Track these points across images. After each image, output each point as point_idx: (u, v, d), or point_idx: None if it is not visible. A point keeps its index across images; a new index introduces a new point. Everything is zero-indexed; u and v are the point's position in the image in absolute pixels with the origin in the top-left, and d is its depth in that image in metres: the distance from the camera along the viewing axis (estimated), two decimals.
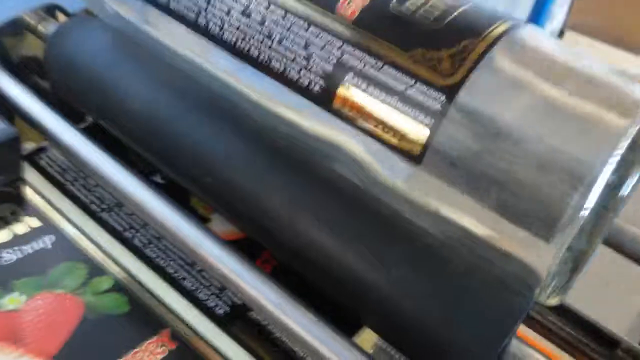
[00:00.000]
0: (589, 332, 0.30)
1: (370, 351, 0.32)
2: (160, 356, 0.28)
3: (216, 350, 0.30)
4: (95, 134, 0.35)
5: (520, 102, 0.25)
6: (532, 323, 0.29)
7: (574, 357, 0.29)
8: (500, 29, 0.26)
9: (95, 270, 0.32)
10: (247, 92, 0.32)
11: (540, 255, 0.27)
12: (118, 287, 0.31)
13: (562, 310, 0.29)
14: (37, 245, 0.32)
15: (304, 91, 0.28)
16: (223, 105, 0.33)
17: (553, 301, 0.28)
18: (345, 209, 0.29)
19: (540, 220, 0.26)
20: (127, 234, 0.34)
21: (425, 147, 0.25)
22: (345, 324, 0.29)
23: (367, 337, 0.33)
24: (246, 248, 0.32)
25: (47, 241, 0.32)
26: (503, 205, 0.26)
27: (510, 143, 0.25)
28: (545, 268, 0.27)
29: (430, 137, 0.25)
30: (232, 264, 0.30)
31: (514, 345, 0.28)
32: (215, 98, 0.33)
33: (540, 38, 0.27)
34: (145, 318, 0.30)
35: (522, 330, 0.28)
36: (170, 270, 0.32)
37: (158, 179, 0.37)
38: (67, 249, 0.32)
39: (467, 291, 0.28)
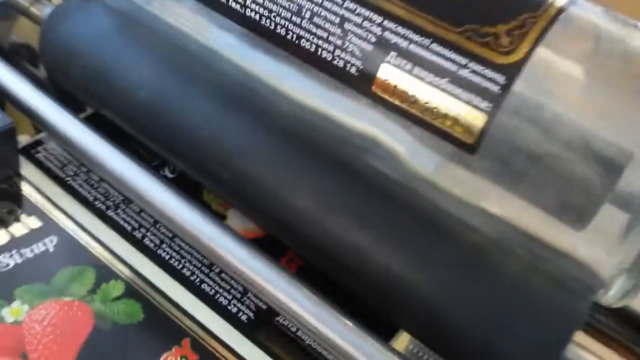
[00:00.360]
0: None
1: None
2: None
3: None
4: (97, 124, 0.32)
5: (587, 87, 0.23)
6: (590, 327, 0.27)
7: None
8: (559, 1, 0.23)
9: (104, 274, 0.29)
10: (268, 77, 0.29)
11: (604, 255, 0.24)
12: (130, 293, 0.28)
13: (625, 314, 0.27)
14: (38, 248, 0.29)
15: (339, 74, 0.25)
16: (241, 91, 0.30)
17: (617, 304, 0.25)
18: (382, 206, 0.27)
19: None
20: (137, 234, 0.31)
21: (481, 135, 0.23)
22: (379, 328, 0.26)
23: (400, 341, 0.30)
24: (268, 247, 0.29)
25: (48, 243, 0.29)
26: (563, 202, 0.24)
27: (576, 133, 0.23)
28: (609, 269, 0.24)
29: (487, 124, 0.23)
30: (256, 264, 0.27)
31: (571, 351, 0.26)
32: (232, 84, 0.30)
33: (599, 14, 0.24)
34: (162, 327, 0.27)
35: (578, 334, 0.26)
36: (187, 273, 0.29)
37: (168, 173, 0.34)
38: (71, 252, 0.29)
39: (521, 294, 0.25)
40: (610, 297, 0.26)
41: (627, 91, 0.23)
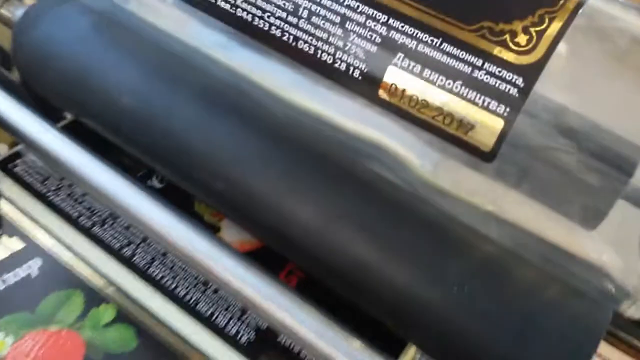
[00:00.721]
0: None
1: None
2: None
3: None
4: (77, 133, 0.30)
5: (609, 85, 0.21)
6: (614, 341, 0.25)
7: None
8: None
9: (93, 298, 0.27)
10: (262, 79, 0.27)
11: (625, 263, 0.23)
12: (122, 318, 0.26)
13: None
14: (22, 272, 0.27)
15: (341, 78, 0.23)
16: (232, 95, 0.28)
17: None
18: (389, 216, 0.25)
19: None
20: (126, 251, 0.29)
21: (499, 141, 0.21)
22: (386, 342, 0.25)
23: (408, 356, 0.28)
24: (266, 259, 0.27)
25: (33, 266, 0.27)
26: (581, 205, 0.22)
27: (599, 138, 0.21)
28: (632, 277, 0.23)
29: (505, 130, 0.21)
30: (254, 281, 0.25)
31: None
32: (222, 87, 0.28)
33: (621, 6, 0.22)
34: (157, 354, 0.25)
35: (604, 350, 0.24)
36: (181, 293, 0.27)
37: (155, 182, 0.32)
38: (57, 275, 0.27)
39: (539, 306, 0.23)
40: (632, 307, 0.24)
41: None
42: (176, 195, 0.30)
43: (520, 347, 0.23)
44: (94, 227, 0.29)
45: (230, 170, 0.27)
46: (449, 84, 0.21)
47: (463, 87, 0.21)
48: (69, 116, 0.33)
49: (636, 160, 0.22)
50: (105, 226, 0.29)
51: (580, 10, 0.21)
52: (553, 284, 0.24)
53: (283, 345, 0.26)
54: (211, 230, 0.30)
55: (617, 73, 0.22)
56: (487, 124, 0.21)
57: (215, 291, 0.28)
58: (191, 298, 0.27)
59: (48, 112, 0.31)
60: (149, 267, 0.28)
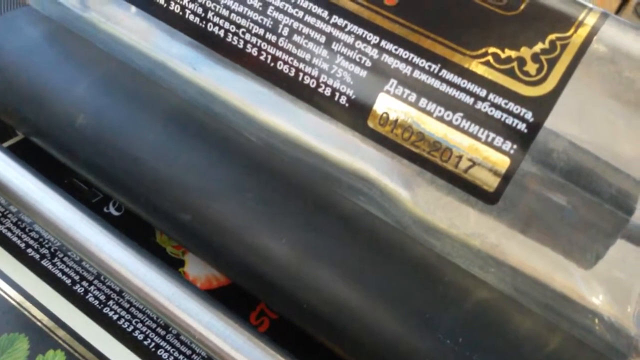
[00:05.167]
0: None
1: None
2: None
3: None
4: (26, 154, 0.27)
5: (627, 120, 0.19)
6: None
7: None
8: (591, 19, 0.19)
9: (40, 343, 0.24)
10: (235, 99, 0.24)
11: (631, 311, 0.21)
12: None
13: None
14: None
15: (325, 105, 0.21)
16: (200, 117, 0.25)
17: None
18: (376, 256, 0.22)
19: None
20: (78, 289, 0.26)
21: (504, 182, 0.19)
22: None
23: None
24: (235, 298, 0.25)
25: None
26: (583, 247, 0.20)
27: (602, 174, 0.19)
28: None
29: (510, 169, 0.18)
30: (220, 327, 0.23)
31: None
32: (189, 108, 0.26)
33: (632, 34, 0.20)
34: None
35: None
36: (140, 337, 0.25)
37: (112, 210, 0.29)
38: None
39: (540, 358, 0.21)
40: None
41: None
42: (136, 225, 0.27)
43: None
44: (43, 260, 0.26)
45: (197, 200, 0.24)
46: (448, 115, 0.19)
47: (464, 120, 0.19)
48: (19, 135, 0.30)
49: (637, 197, 0.20)
50: (55, 259, 0.26)
51: (597, 36, 0.19)
52: (553, 334, 0.22)
53: None
54: (174, 264, 0.27)
55: (628, 105, 0.20)
56: (491, 162, 0.18)
57: (178, 336, 0.25)
58: (151, 343, 0.24)
59: None
60: (103, 307, 0.25)
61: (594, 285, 0.21)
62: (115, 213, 0.29)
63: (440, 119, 0.19)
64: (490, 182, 0.19)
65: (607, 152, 0.19)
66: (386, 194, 0.22)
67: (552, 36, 0.19)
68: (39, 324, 0.24)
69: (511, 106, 0.18)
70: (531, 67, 0.18)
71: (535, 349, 0.21)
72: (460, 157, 0.19)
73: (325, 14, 0.20)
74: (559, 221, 0.20)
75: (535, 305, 0.22)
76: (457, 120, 0.19)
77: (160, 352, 0.24)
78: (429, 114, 0.19)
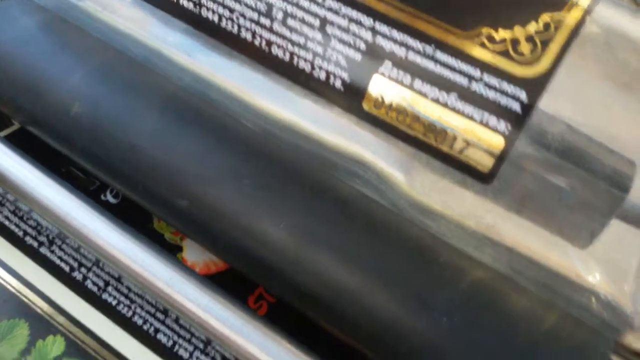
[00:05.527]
0: None
1: None
2: None
3: None
4: (24, 142, 0.27)
5: (619, 100, 0.19)
6: None
7: None
8: (584, 0, 0.19)
9: (40, 328, 0.24)
10: (231, 86, 0.24)
11: (625, 289, 0.21)
12: (72, 351, 0.23)
13: None
14: None
15: (320, 88, 0.21)
16: (197, 104, 0.25)
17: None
18: (372, 239, 0.23)
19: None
20: (77, 275, 0.26)
21: (498, 162, 0.19)
22: None
23: None
24: (233, 282, 0.25)
25: None
26: (580, 230, 0.20)
27: (597, 154, 0.19)
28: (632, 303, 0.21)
29: (505, 149, 0.19)
30: (219, 310, 0.23)
31: None
32: (185, 95, 0.26)
33: (626, 15, 0.21)
34: None
35: None
36: (139, 321, 0.25)
37: (110, 197, 0.29)
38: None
39: (538, 336, 0.21)
40: (632, 336, 0.22)
41: None
42: (133, 212, 0.27)
43: None
44: (41, 248, 0.26)
45: (194, 187, 0.24)
46: (442, 96, 0.19)
47: (458, 101, 0.19)
48: (16, 124, 0.30)
49: (632, 176, 0.20)
50: (54, 247, 0.26)
51: (590, 16, 0.19)
52: (550, 312, 0.22)
53: None
54: (172, 250, 0.27)
55: (622, 87, 0.20)
56: (486, 142, 0.19)
57: (177, 320, 0.25)
58: (150, 327, 0.25)
59: None
60: (102, 293, 0.25)
61: (590, 264, 0.21)
62: (113, 200, 0.29)
63: (435, 100, 0.19)
64: (485, 163, 0.19)
65: (602, 133, 0.20)
66: (382, 177, 0.22)
67: (546, 17, 0.19)
68: (38, 310, 0.24)
69: (505, 86, 0.18)
70: (525, 48, 0.18)
71: (532, 326, 0.21)
72: (455, 138, 0.19)
73: None
74: (554, 201, 0.20)
75: (532, 285, 0.22)
76: (451, 101, 0.19)
77: (160, 336, 0.24)
78: (424, 95, 0.19)
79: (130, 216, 0.26)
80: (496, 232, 0.21)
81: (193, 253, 0.27)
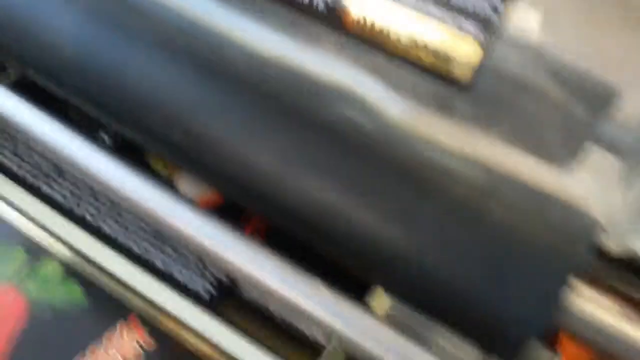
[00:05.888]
0: None
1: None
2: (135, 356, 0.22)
3: (205, 340, 0.23)
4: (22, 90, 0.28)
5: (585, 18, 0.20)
6: (592, 278, 0.25)
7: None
8: None
9: (37, 254, 0.25)
10: (221, 22, 0.25)
11: (600, 198, 0.22)
12: (68, 274, 0.24)
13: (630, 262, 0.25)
14: None
15: (302, 11, 0.22)
16: (184, 38, 0.26)
17: (620, 252, 0.23)
18: (355, 160, 0.24)
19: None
20: (73, 206, 0.27)
21: (476, 72, 0.20)
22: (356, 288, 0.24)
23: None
24: (227, 217, 0.26)
25: None
26: (553, 141, 0.21)
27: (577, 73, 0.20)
28: (606, 212, 0.22)
29: (482, 58, 0.20)
30: (215, 232, 0.24)
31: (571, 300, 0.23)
32: (172, 30, 0.26)
33: None
34: (106, 308, 0.23)
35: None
36: (134, 248, 0.26)
37: (106, 139, 0.30)
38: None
39: (514, 243, 0.23)
40: (611, 242, 0.23)
41: (622, 26, 0.21)
42: (129, 152, 0.28)
43: (493, 285, 0.22)
44: (38, 181, 0.27)
45: (186, 119, 0.25)
46: (422, 6, 0.20)
47: (436, 11, 0.20)
48: (12, 73, 0.31)
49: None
50: (50, 180, 0.27)
51: None
52: (526, 221, 0.23)
53: (246, 298, 0.25)
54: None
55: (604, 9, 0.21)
56: (464, 52, 0.20)
57: (173, 247, 0.26)
58: (145, 252, 0.26)
59: None
60: (98, 222, 0.26)
61: (567, 177, 0.22)
62: (108, 142, 0.30)
63: (413, 14, 0.20)
64: (464, 73, 0.20)
65: (579, 54, 0.21)
66: (365, 102, 0.23)
67: None
68: (36, 238, 0.25)
69: None
70: None
71: (511, 235, 0.23)
72: (435, 49, 0.20)
73: None
74: (531, 114, 0.21)
75: (511, 199, 0.23)
76: (429, 11, 0.20)
77: (157, 262, 0.25)
78: (404, 4, 0.20)
79: (126, 156, 0.27)
80: (475, 150, 0.22)
81: (187, 188, 0.28)
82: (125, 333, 0.23)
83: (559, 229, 0.23)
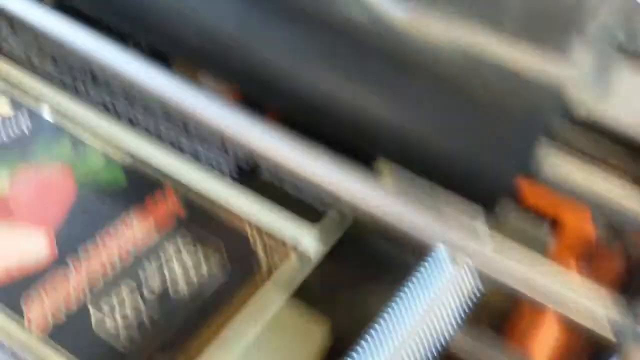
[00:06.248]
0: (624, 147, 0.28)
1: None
2: (169, 223, 0.26)
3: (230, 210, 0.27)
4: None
5: None
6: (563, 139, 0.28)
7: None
8: None
9: (81, 144, 0.29)
10: None
11: (565, 65, 0.25)
12: (108, 161, 0.28)
13: (596, 126, 0.28)
14: (12, 132, 0.28)
15: None
16: None
17: (584, 114, 0.27)
18: (353, 51, 0.27)
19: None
20: (108, 105, 0.30)
21: None
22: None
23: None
24: None
25: (22, 127, 0.29)
26: (522, 21, 0.25)
27: None
28: (569, 78, 0.25)
29: None
30: (232, 115, 0.28)
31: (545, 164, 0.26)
32: None
33: None
34: (144, 184, 0.27)
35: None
36: (165, 136, 0.29)
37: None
38: (46, 130, 0.29)
39: (493, 112, 0.26)
40: (579, 106, 0.27)
41: None
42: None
43: (475, 148, 0.26)
44: (77, 84, 0.31)
45: (203, 25, 0.29)
46: None
47: None
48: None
49: None
50: (87, 82, 0.31)
51: None
52: (504, 96, 0.26)
53: (267, 181, 0.29)
54: None
55: None
56: None
57: (199, 135, 0.29)
58: (174, 140, 0.29)
59: None
60: (132, 117, 0.30)
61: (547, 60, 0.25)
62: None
63: None
64: None
65: None
66: (372, 5, 0.26)
67: None
68: (78, 132, 0.29)
69: None
70: None
71: (489, 106, 0.26)
72: None
73: None
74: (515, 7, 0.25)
75: (489, 77, 0.26)
76: None
77: (183, 146, 0.29)
78: None
79: None
80: (454, 33, 0.25)
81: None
82: (162, 202, 0.27)
83: (533, 98, 0.26)
